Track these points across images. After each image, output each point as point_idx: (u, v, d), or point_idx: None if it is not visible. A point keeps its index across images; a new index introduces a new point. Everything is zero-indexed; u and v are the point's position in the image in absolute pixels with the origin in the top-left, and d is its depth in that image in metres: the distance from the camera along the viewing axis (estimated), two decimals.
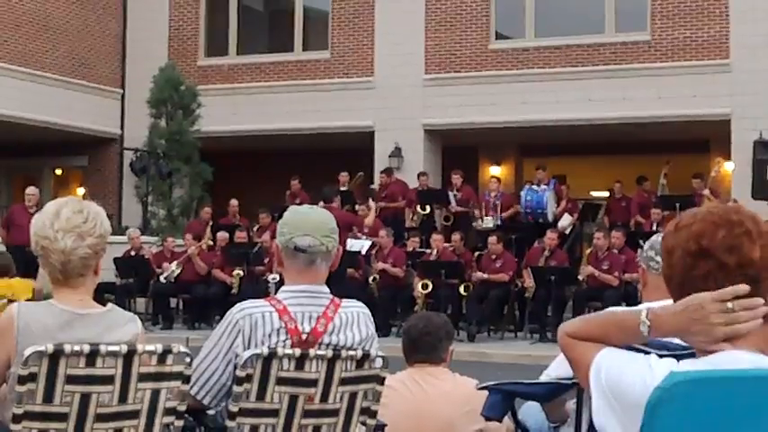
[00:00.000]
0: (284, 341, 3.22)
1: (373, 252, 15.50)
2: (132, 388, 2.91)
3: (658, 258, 3.20)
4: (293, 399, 3.16)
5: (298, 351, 3.14)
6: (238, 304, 3.33)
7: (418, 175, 17.96)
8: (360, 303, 3.48)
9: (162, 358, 2.97)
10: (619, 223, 16.43)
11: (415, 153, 19.22)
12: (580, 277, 14.45)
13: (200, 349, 3.32)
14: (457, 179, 17.65)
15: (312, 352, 3.17)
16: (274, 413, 3.15)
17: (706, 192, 15.87)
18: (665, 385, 1.96)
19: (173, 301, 16.51)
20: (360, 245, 15.40)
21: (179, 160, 18.97)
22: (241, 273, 15.53)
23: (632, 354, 2.09)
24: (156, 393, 2.97)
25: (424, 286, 14.45)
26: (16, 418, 2.80)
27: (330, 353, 3.19)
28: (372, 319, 3.49)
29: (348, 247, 14.15)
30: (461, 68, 19.16)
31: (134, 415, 2.95)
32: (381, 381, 3.28)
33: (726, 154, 17.51)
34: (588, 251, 15.06)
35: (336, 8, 20.21)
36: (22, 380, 2.79)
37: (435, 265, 14.81)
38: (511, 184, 19.96)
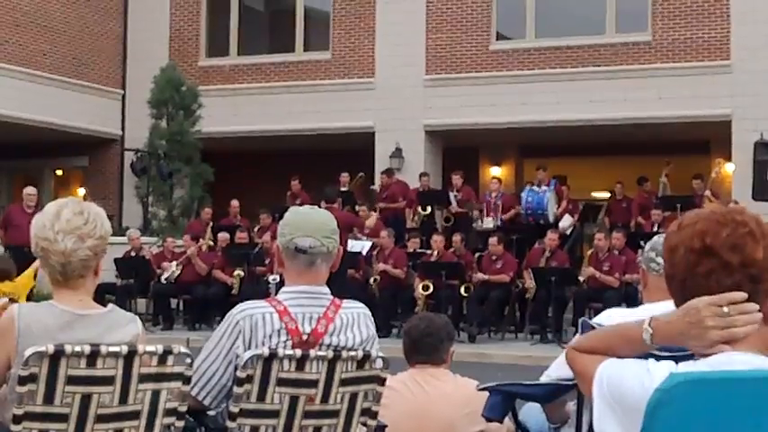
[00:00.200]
0: (285, 342, 3.22)
1: (374, 253, 15.50)
2: (133, 389, 2.91)
3: (659, 260, 3.21)
4: (294, 399, 3.16)
5: (298, 352, 3.14)
6: (239, 305, 3.33)
7: (419, 176, 17.97)
8: (360, 304, 3.48)
9: (162, 359, 2.96)
10: (619, 224, 16.43)
11: (416, 154, 19.22)
12: (581, 278, 14.45)
13: (200, 350, 3.32)
14: (457, 180, 17.65)
15: (313, 353, 3.17)
16: (275, 414, 3.15)
17: (707, 193, 15.87)
18: (665, 387, 1.96)
19: (173, 302, 16.50)
20: (360, 245, 15.40)
21: (180, 161, 18.97)
22: (242, 273, 15.53)
23: (632, 359, 2.10)
24: (156, 394, 2.97)
25: (425, 287, 14.45)
26: (17, 419, 2.80)
27: (331, 354, 3.19)
28: (373, 320, 3.49)
29: (349, 248, 14.14)
30: (462, 69, 19.17)
31: (135, 416, 2.95)
32: (382, 382, 3.28)
33: (726, 155, 17.51)
34: (589, 252, 15.05)
35: (337, 9, 20.21)
36: (22, 380, 2.79)
37: (436, 266, 14.81)
38: (511, 185, 19.96)
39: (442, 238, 15.38)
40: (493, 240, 15.12)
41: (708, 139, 18.93)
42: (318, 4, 20.80)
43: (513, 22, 19.27)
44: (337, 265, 3.43)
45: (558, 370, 3.34)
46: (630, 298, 13.26)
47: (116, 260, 15.48)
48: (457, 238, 15.44)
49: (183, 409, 3.04)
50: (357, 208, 16.77)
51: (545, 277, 14.25)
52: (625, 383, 2.03)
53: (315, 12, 20.94)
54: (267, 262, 14.87)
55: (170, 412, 3.00)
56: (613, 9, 18.51)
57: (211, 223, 17.24)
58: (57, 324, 2.95)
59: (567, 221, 16.77)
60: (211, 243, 16.71)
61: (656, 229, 15.33)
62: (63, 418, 2.84)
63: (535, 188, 16.83)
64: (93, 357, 2.84)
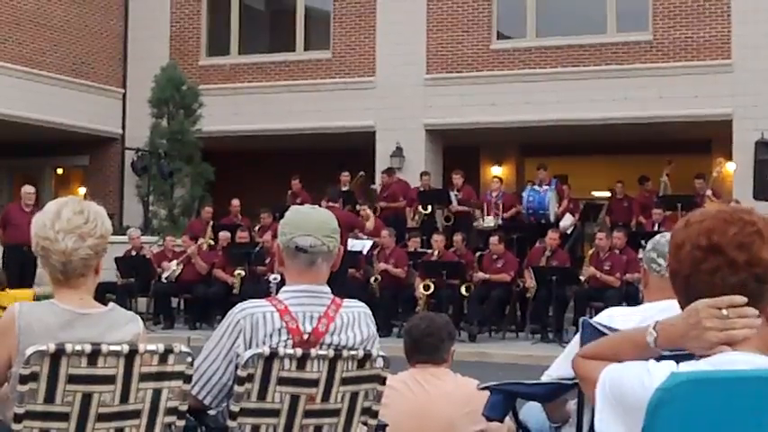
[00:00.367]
0: (285, 341, 3.22)
1: (375, 252, 15.50)
2: (134, 388, 2.91)
3: (660, 261, 3.21)
4: (294, 399, 3.16)
5: (299, 351, 3.14)
6: (239, 304, 3.33)
7: (420, 175, 17.97)
8: (361, 303, 3.48)
9: (163, 358, 2.97)
10: (620, 223, 16.43)
11: (417, 153, 19.22)
12: (582, 277, 14.45)
13: (201, 349, 3.32)
14: (458, 179, 17.65)
15: (313, 352, 3.17)
16: (275, 413, 3.15)
17: (708, 192, 15.87)
18: (667, 386, 1.96)
19: (174, 301, 16.50)
20: (361, 245, 15.40)
21: (180, 160, 18.97)
22: (242, 272, 15.53)
23: (634, 361, 2.11)
24: (157, 393, 2.97)
25: (426, 287, 14.44)
26: (18, 418, 2.80)
27: (331, 353, 3.19)
28: (373, 320, 3.49)
29: (349, 248, 14.15)
30: (463, 68, 19.17)
31: (135, 415, 2.95)
32: (383, 381, 3.28)
33: (727, 154, 17.50)
34: (590, 252, 15.05)
35: (338, 8, 20.21)
36: (23, 379, 2.79)
37: (436, 266, 14.81)
38: (512, 184, 19.96)
39: (443, 238, 15.38)
40: (494, 240, 15.12)
41: (709, 139, 18.93)
42: (319, 3, 20.80)
43: (514, 21, 19.27)
44: (338, 265, 3.43)
45: (558, 369, 3.34)
46: (631, 297, 13.26)
47: (117, 259, 15.49)
48: (458, 237, 15.44)
49: (184, 408, 3.04)
50: (358, 207, 16.77)
51: (546, 276, 14.25)
52: (626, 383, 2.04)
53: (315, 11, 20.94)
54: (268, 261, 14.87)
55: (171, 411, 3.01)
56: (614, 8, 18.51)
57: (212, 222, 17.25)
58: (58, 323, 2.95)
59: (567, 221, 16.77)
60: (212, 242, 16.72)
61: (656, 228, 15.32)
62: (64, 416, 2.84)
63: (536, 187, 16.82)
64: (94, 356, 2.84)
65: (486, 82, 18.86)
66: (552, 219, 16.52)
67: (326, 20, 20.44)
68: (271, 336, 3.22)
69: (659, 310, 2.88)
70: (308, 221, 3.35)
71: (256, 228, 17.05)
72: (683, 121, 17.60)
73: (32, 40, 19.80)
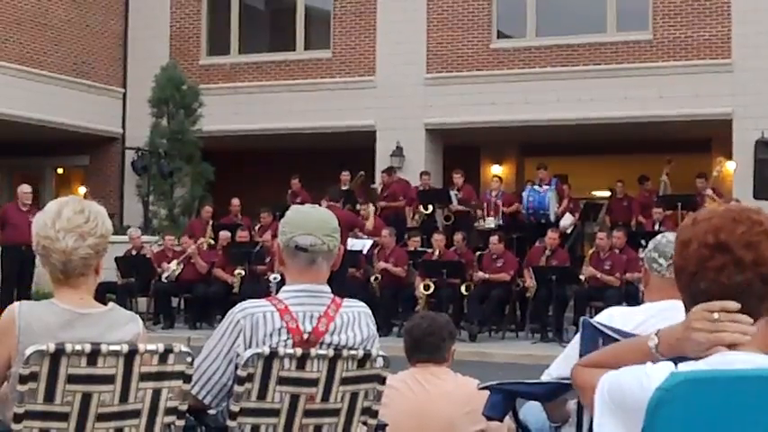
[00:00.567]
0: (285, 341, 3.22)
1: (375, 252, 15.50)
2: (133, 387, 2.91)
3: (661, 260, 3.21)
4: (294, 398, 3.16)
5: (299, 351, 3.14)
6: (239, 304, 3.33)
7: (420, 175, 17.97)
8: (361, 303, 3.48)
9: (163, 358, 2.97)
10: (620, 223, 16.44)
11: (417, 152, 19.22)
12: (582, 277, 14.45)
13: (201, 349, 3.32)
14: (458, 178, 17.65)
15: (313, 351, 3.17)
16: (275, 413, 3.15)
17: (708, 191, 15.86)
18: (667, 385, 1.96)
19: (174, 301, 16.51)
20: (361, 244, 15.41)
21: (180, 159, 18.97)
22: (242, 272, 15.53)
23: (632, 366, 2.12)
24: (157, 393, 2.97)
25: (426, 287, 14.44)
26: (17, 418, 2.80)
27: (331, 352, 3.19)
28: (374, 319, 3.49)
29: (349, 247, 14.16)
30: (463, 68, 19.17)
31: (135, 414, 2.95)
32: (383, 380, 3.28)
33: (727, 154, 17.50)
34: (590, 251, 15.05)
35: (338, 7, 20.21)
36: (23, 379, 2.79)
37: (437, 265, 14.81)
38: (512, 184, 19.96)
39: (443, 237, 15.38)
40: (493, 239, 15.12)
41: (709, 138, 18.93)
42: (319, 2, 20.80)
43: (514, 20, 19.27)
44: (338, 264, 3.43)
45: (558, 369, 3.34)
46: (631, 297, 13.25)
47: (117, 259, 15.48)
48: (458, 236, 15.44)
49: (184, 407, 3.04)
50: (358, 207, 16.77)
51: (546, 276, 14.25)
52: (624, 386, 2.04)
53: (315, 10, 20.94)
54: (268, 261, 14.88)
55: (171, 411, 3.01)
56: (614, 7, 18.51)
57: (212, 222, 17.25)
58: (57, 322, 2.95)
59: (567, 220, 16.77)
60: (212, 242, 16.72)
61: (656, 227, 15.33)
62: (64, 416, 2.84)
63: (536, 187, 16.82)
64: (93, 356, 2.84)
65: (486, 81, 18.86)
66: (552, 218, 16.52)
67: (327, 19, 20.44)
68: (271, 335, 3.22)
69: (660, 310, 2.88)
70: (308, 220, 3.35)
71: (256, 227, 17.05)
72: (682, 120, 17.60)
73: (33, 39, 19.80)
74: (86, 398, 2.85)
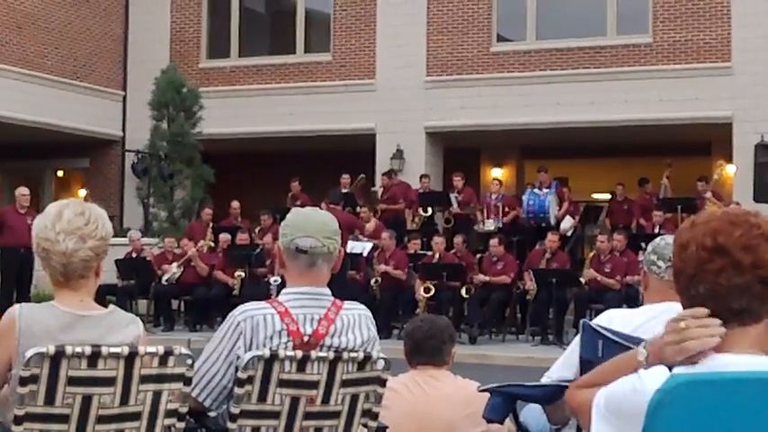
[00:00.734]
0: (286, 343, 3.22)
1: (375, 254, 15.50)
2: (134, 390, 2.91)
3: (660, 263, 3.21)
4: (295, 401, 3.16)
5: (299, 353, 3.14)
6: (240, 306, 3.33)
7: (420, 178, 17.98)
8: (361, 305, 3.48)
9: (163, 360, 2.97)
10: (620, 225, 16.43)
11: (417, 155, 19.22)
12: (582, 280, 14.45)
13: (201, 351, 3.32)
14: (458, 181, 17.65)
15: (314, 354, 3.17)
16: (276, 415, 3.16)
17: (708, 195, 15.87)
18: (666, 387, 1.96)
19: (174, 303, 16.50)
20: (361, 247, 15.42)
21: (180, 162, 18.98)
22: (243, 274, 15.54)
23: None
24: (157, 395, 2.97)
25: (427, 290, 14.44)
26: (18, 420, 2.80)
27: (332, 355, 3.19)
28: (374, 322, 3.49)
29: (349, 249, 14.16)
30: (463, 71, 19.17)
31: (135, 417, 2.95)
32: (383, 383, 3.28)
33: (727, 157, 17.51)
34: (591, 254, 15.05)
35: (338, 10, 20.22)
36: (23, 381, 2.79)
37: (437, 268, 14.81)
38: (512, 187, 19.96)
39: (443, 240, 15.38)
40: (494, 242, 15.12)
41: (709, 141, 18.93)
42: (319, 5, 20.80)
43: (514, 23, 19.28)
44: (338, 267, 3.43)
45: (558, 371, 3.35)
46: (631, 299, 13.25)
47: (117, 261, 15.49)
48: (458, 239, 15.44)
49: (184, 410, 3.04)
50: (358, 210, 16.77)
51: (546, 279, 14.25)
52: (619, 394, 2.05)
53: (315, 13, 20.95)
54: (268, 263, 14.88)
55: (171, 413, 3.01)
56: (614, 11, 18.52)
57: (212, 224, 17.25)
58: (58, 325, 2.95)
59: (568, 223, 16.78)
60: (212, 244, 16.72)
61: (657, 230, 15.33)
62: (64, 418, 2.84)
63: (536, 191, 16.82)
64: (94, 358, 2.84)
65: (486, 84, 18.87)
66: (553, 222, 16.52)
67: (327, 22, 20.45)
68: (271, 338, 3.22)
69: (659, 312, 2.88)
70: (308, 223, 3.35)
71: (256, 230, 17.06)
72: (683, 123, 17.60)
73: (33, 42, 19.81)
74: (87, 400, 2.85)
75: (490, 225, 16.81)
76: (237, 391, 3.10)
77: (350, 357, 3.21)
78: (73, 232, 2.98)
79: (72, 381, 2.82)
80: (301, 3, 20.83)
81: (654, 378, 2.00)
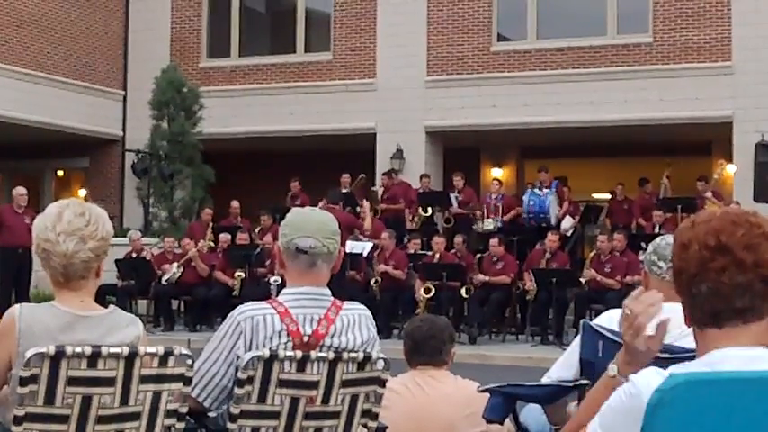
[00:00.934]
0: (286, 343, 3.22)
1: (375, 254, 15.50)
2: (134, 390, 2.91)
3: (661, 263, 3.21)
4: (294, 401, 3.16)
5: (299, 353, 3.14)
6: (240, 306, 3.33)
7: (420, 177, 17.98)
8: (361, 306, 3.48)
9: (163, 360, 2.97)
10: (620, 225, 16.43)
11: (417, 155, 19.22)
12: (582, 280, 14.45)
13: (201, 351, 3.32)
14: (458, 181, 17.65)
15: (313, 354, 3.17)
16: (275, 415, 3.16)
17: (708, 194, 15.86)
18: (665, 387, 1.96)
19: (174, 303, 16.50)
20: (361, 247, 15.41)
21: (181, 162, 18.98)
22: (242, 274, 15.54)
23: None
24: (157, 395, 2.97)
25: (427, 290, 14.44)
26: (18, 420, 2.80)
27: (331, 355, 3.19)
28: (374, 322, 3.49)
29: (349, 249, 14.16)
30: (463, 70, 19.17)
31: (135, 417, 2.95)
32: (383, 383, 3.29)
33: (728, 156, 17.50)
34: (591, 254, 15.05)
35: (338, 10, 20.22)
36: (23, 381, 2.79)
37: (437, 268, 14.80)
38: (512, 186, 19.96)
39: (443, 240, 15.38)
40: (494, 242, 15.13)
41: (709, 141, 18.93)
42: (319, 5, 20.81)
43: (514, 23, 19.28)
44: (338, 267, 3.43)
45: (558, 371, 3.35)
46: None
47: (117, 261, 15.49)
48: (458, 239, 15.44)
49: (184, 410, 3.04)
50: (358, 209, 16.77)
51: (546, 279, 14.25)
52: (614, 405, 2.06)
53: (316, 13, 20.95)
54: (268, 263, 14.88)
55: (171, 413, 3.01)
56: (614, 10, 18.51)
57: (212, 224, 17.25)
58: (58, 325, 2.95)
59: (568, 223, 16.78)
60: (212, 244, 16.72)
61: (657, 230, 15.33)
62: (64, 419, 2.84)
63: (537, 191, 16.81)
64: (93, 358, 2.84)
65: (486, 84, 18.87)
66: (553, 222, 16.52)
67: (327, 22, 20.45)
68: (271, 338, 3.22)
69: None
70: (308, 223, 3.35)
71: (256, 230, 17.06)
72: (683, 123, 17.60)
73: (33, 42, 19.81)
74: (87, 400, 2.85)
75: (489, 224, 16.81)
76: (237, 391, 3.10)
77: (350, 357, 3.21)
78: (73, 233, 2.98)
79: (72, 381, 2.82)
80: (301, 2, 20.83)
81: (645, 378, 2.00)
